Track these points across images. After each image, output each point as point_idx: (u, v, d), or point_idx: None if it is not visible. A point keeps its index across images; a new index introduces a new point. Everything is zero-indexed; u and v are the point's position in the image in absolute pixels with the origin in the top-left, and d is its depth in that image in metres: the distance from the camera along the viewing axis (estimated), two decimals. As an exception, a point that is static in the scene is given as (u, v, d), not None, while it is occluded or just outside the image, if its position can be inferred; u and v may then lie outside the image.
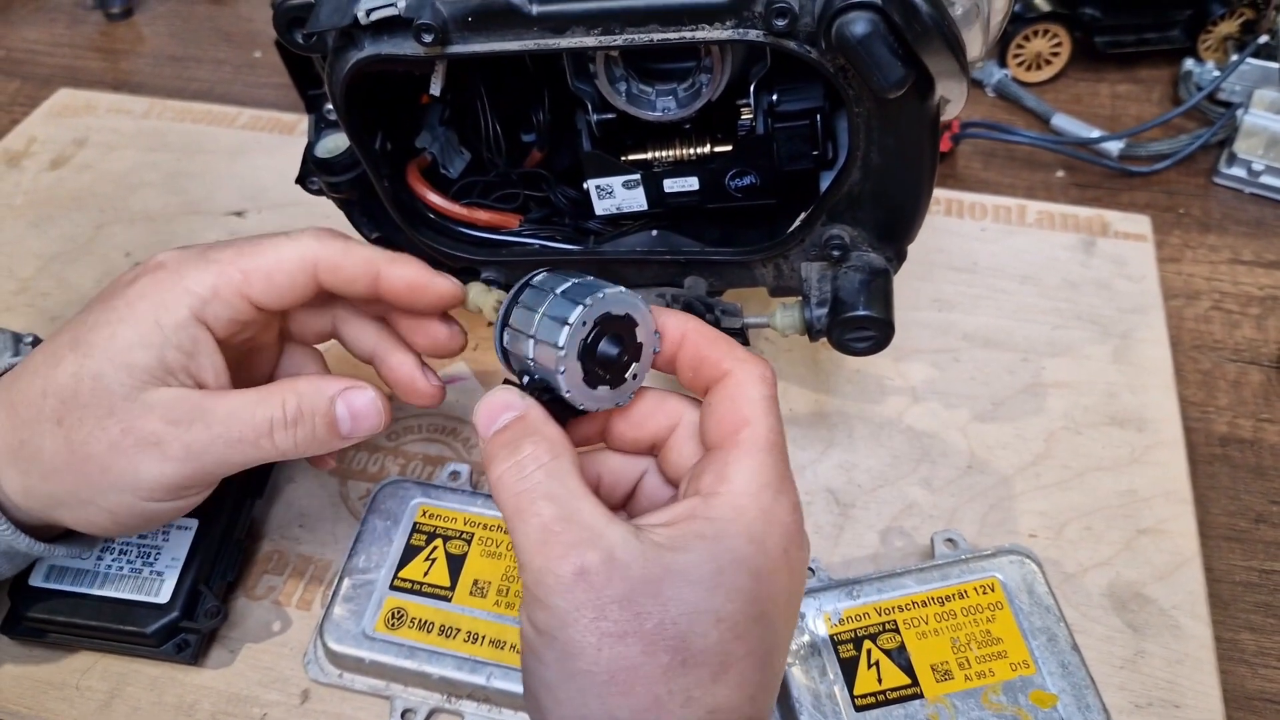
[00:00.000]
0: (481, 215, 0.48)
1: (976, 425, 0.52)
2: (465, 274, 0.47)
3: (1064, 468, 0.51)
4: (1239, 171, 0.68)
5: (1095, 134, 0.71)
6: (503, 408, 0.34)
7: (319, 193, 0.49)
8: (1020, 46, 0.76)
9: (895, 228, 0.43)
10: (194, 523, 0.45)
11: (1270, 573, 0.49)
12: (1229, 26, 0.75)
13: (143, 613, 0.43)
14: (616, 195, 0.46)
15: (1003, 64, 0.77)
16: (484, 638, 0.42)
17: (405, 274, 0.40)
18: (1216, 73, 0.72)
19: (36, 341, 0.50)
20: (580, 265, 0.47)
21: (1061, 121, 0.72)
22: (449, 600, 0.44)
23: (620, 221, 0.48)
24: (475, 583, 0.44)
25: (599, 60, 0.41)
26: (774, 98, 0.43)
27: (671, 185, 0.46)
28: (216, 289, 0.38)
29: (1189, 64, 0.75)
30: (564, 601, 0.30)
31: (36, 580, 0.44)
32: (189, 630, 0.44)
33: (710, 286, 0.47)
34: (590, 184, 0.46)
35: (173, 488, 0.38)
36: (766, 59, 0.42)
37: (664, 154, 0.46)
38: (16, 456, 0.38)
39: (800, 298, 0.45)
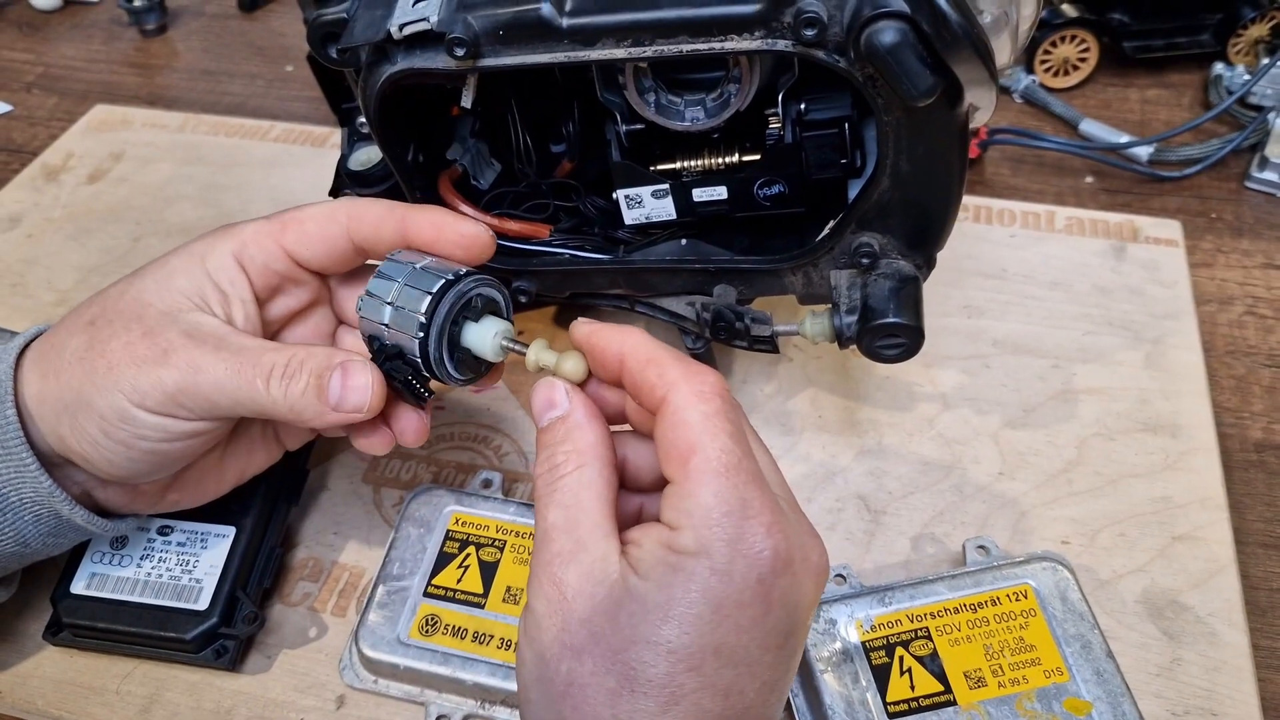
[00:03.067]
0: (512, 225, 0.48)
1: (1008, 432, 0.52)
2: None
3: (1096, 474, 0.50)
4: (1271, 175, 0.68)
5: (1124, 139, 0.70)
6: (547, 405, 0.35)
7: None
8: (1048, 52, 0.76)
9: (925, 235, 0.43)
10: (231, 530, 0.46)
11: (1308, 580, 0.48)
12: (1260, 30, 0.75)
13: (182, 619, 0.44)
14: (645, 205, 0.47)
15: (1030, 70, 0.77)
16: (517, 645, 0.43)
17: (430, 216, 0.41)
18: (1247, 77, 0.72)
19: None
20: (610, 274, 0.48)
21: (1090, 127, 0.72)
22: (482, 607, 0.44)
23: (649, 231, 0.48)
24: (508, 589, 0.44)
25: (628, 72, 0.42)
26: (802, 106, 0.43)
27: (700, 194, 0.46)
28: (256, 234, 0.41)
29: (1219, 68, 0.74)
30: (541, 607, 0.31)
31: (78, 588, 0.45)
32: (227, 636, 0.44)
33: (740, 294, 0.48)
34: (620, 193, 0.47)
35: (163, 398, 0.38)
36: (795, 69, 0.42)
37: (692, 164, 0.46)
38: (44, 356, 0.40)
39: (830, 305, 0.45)
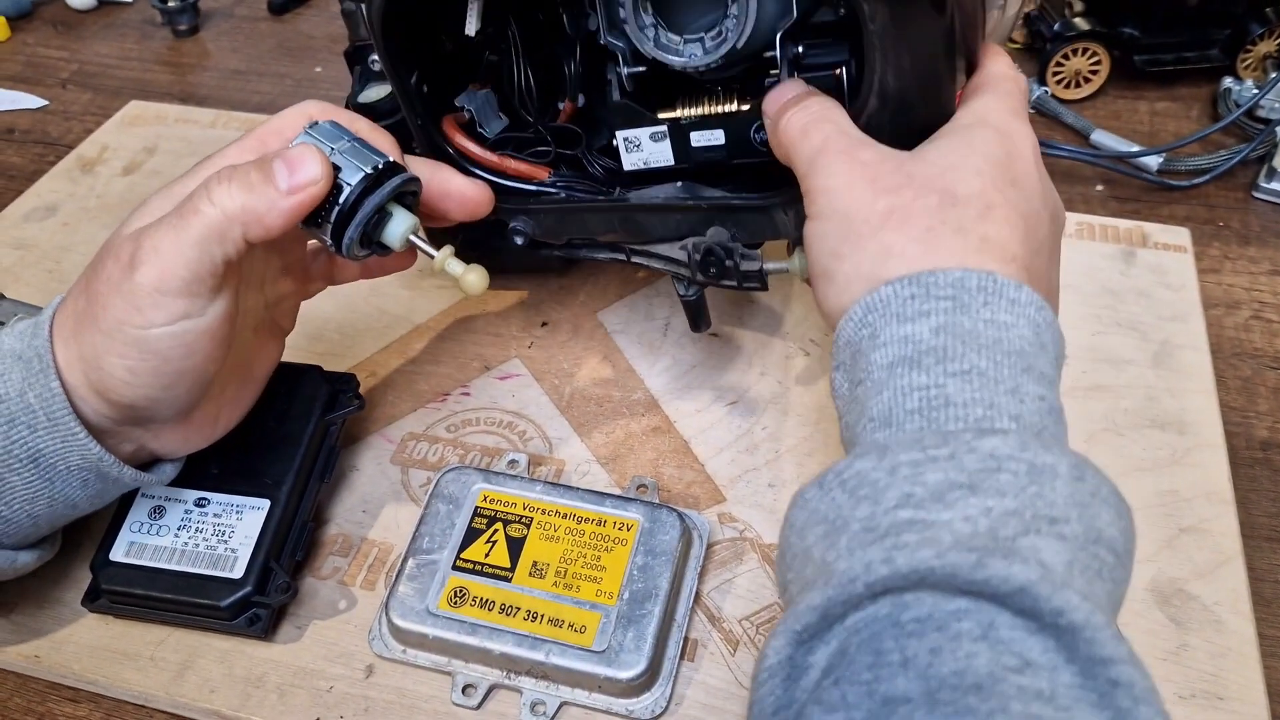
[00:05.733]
0: (513, 164, 0.49)
1: (1019, 426, 0.53)
2: (494, 226, 0.49)
3: (1105, 468, 0.51)
4: (1278, 186, 0.69)
5: (1134, 148, 0.72)
6: (783, 96, 0.41)
7: None
8: (1060, 65, 0.78)
9: None
10: (266, 503, 0.47)
11: (1312, 573, 0.49)
12: (1268, 45, 0.77)
13: (217, 587, 0.45)
14: (644, 148, 0.47)
15: (1043, 82, 0.78)
16: (543, 616, 0.44)
17: (385, 136, 0.43)
18: (1255, 90, 0.73)
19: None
20: (606, 215, 0.48)
21: (1101, 137, 0.73)
22: (509, 581, 0.45)
23: (647, 178, 0.49)
24: (534, 564, 0.46)
25: (628, 6, 0.42)
26: (800, 49, 0.43)
27: (698, 139, 0.46)
28: (240, 155, 0.42)
29: (1228, 82, 0.76)
30: (840, 182, 0.37)
31: (117, 555, 0.46)
32: (260, 605, 0.46)
33: (732, 237, 0.48)
34: (619, 136, 0.47)
35: (151, 294, 0.38)
36: (793, 9, 0.42)
37: (691, 112, 0.46)
38: (61, 324, 0.41)
39: None
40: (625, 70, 0.45)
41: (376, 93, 0.49)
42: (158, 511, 0.48)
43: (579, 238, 0.50)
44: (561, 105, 0.50)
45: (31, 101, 0.82)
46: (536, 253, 0.51)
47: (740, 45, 0.42)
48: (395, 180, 0.41)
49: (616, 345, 0.59)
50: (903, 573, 0.28)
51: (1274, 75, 0.72)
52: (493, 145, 0.50)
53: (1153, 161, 0.71)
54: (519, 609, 0.44)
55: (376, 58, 0.46)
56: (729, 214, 0.47)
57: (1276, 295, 0.63)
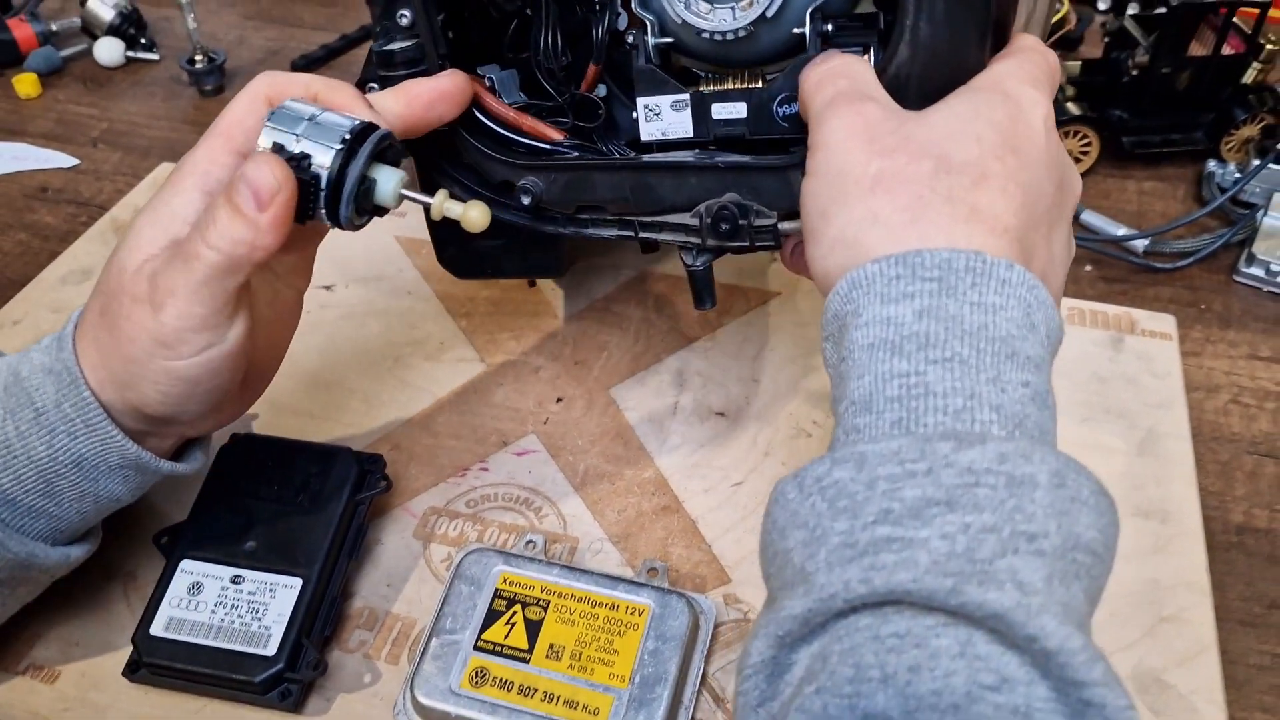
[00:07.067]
0: (528, 121, 0.49)
1: (1009, 510, 0.56)
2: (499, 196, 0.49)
3: (1090, 554, 0.55)
4: (1258, 271, 0.72)
5: (1123, 231, 0.75)
6: (822, 62, 0.42)
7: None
8: (1053, 144, 0.81)
9: None
10: (298, 582, 0.50)
11: (1283, 657, 0.52)
12: (1250, 130, 0.80)
13: (252, 663, 0.48)
14: (664, 118, 0.47)
15: (1036, 160, 0.82)
16: (559, 698, 0.47)
17: (343, 90, 0.44)
18: (1238, 174, 0.77)
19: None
20: (618, 178, 0.48)
21: (1091, 218, 0.77)
22: (527, 662, 0.48)
23: (664, 150, 0.49)
24: (551, 647, 0.48)
25: None
26: (829, 27, 0.43)
27: (719, 110, 0.46)
28: (211, 155, 0.43)
29: (1212, 165, 0.79)
30: (838, 138, 0.37)
31: (157, 629, 0.49)
32: (292, 680, 0.48)
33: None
34: (639, 103, 0.47)
35: (175, 333, 0.41)
36: None
37: (715, 87, 0.46)
38: (84, 348, 0.44)
39: None
40: (653, 41, 0.46)
41: (397, 46, 0.49)
42: (196, 588, 0.50)
43: (587, 205, 0.50)
44: (585, 77, 0.50)
45: (64, 160, 0.85)
46: (540, 228, 0.51)
47: (770, 13, 0.43)
48: (368, 145, 0.41)
49: (628, 422, 0.62)
50: (880, 593, 0.29)
51: (1256, 162, 0.75)
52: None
53: (1140, 244, 0.74)
54: (536, 690, 0.47)
55: (406, 11, 0.47)
56: (745, 177, 0.46)
57: (1254, 379, 0.66)
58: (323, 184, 0.41)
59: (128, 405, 0.44)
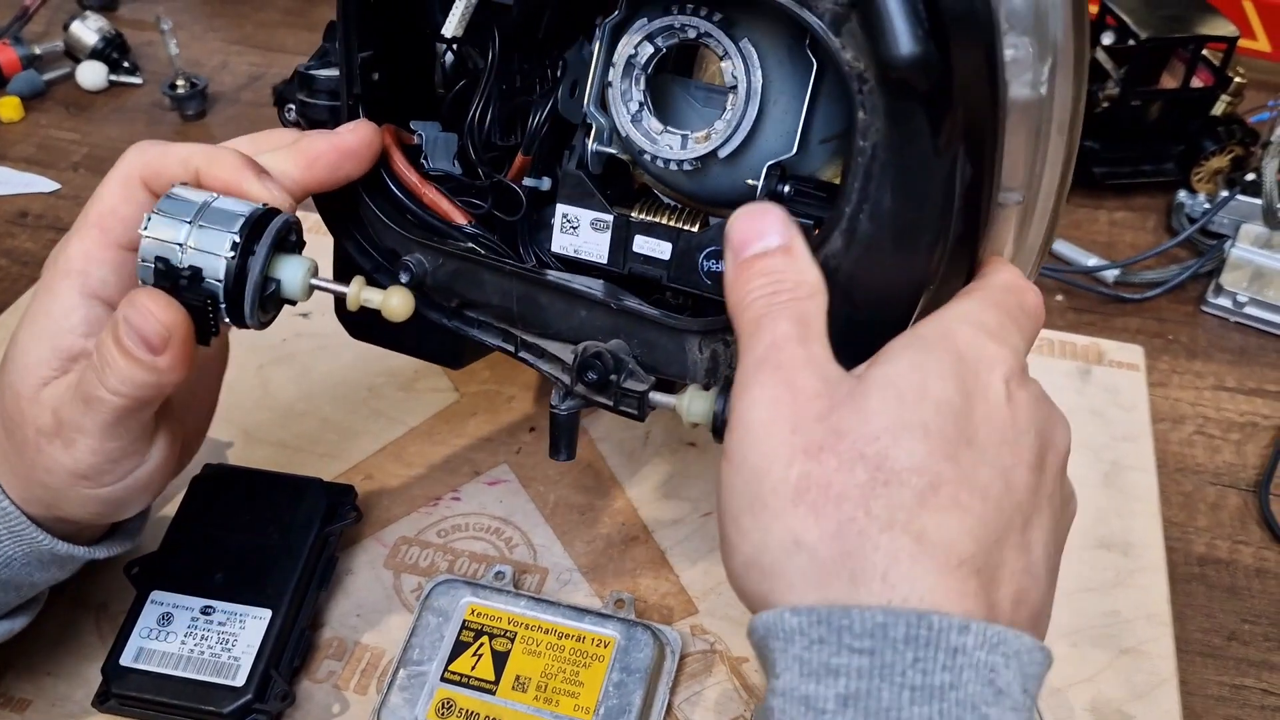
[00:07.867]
0: (431, 194, 0.44)
1: (974, 542, 0.57)
2: (384, 263, 0.45)
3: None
4: (1225, 302, 0.74)
5: (1093, 261, 0.76)
6: (757, 235, 0.33)
7: (295, 123, 0.47)
8: (1025, 174, 0.82)
9: (872, 331, 0.34)
10: (268, 613, 0.50)
11: (1240, 688, 0.53)
12: (1220, 162, 0.82)
13: (220, 694, 0.48)
14: (580, 234, 0.43)
15: (1008, 190, 0.83)
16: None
17: (227, 162, 0.38)
18: (1207, 204, 0.78)
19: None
20: (508, 283, 0.43)
21: (1061, 248, 0.78)
22: (493, 694, 0.48)
23: (570, 269, 0.45)
24: (517, 678, 0.49)
25: (619, 70, 0.39)
26: (785, 188, 0.39)
27: (641, 245, 0.42)
28: (86, 254, 0.38)
29: (1182, 195, 0.81)
30: (761, 415, 0.30)
31: (127, 660, 0.49)
32: (260, 712, 0.49)
33: (635, 356, 0.42)
34: (558, 210, 0.43)
35: (93, 468, 0.39)
36: (793, 146, 0.39)
37: (645, 216, 0.42)
38: (1, 469, 0.41)
39: (722, 384, 0.38)
40: (594, 146, 0.41)
41: (327, 74, 0.45)
42: (166, 618, 0.51)
43: (470, 303, 0.45)
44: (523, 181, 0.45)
45: (45, 185, 0.86)
46: (424, 311, 0.45)
47: (724, 154, 0.38)
48: (266, 238, 0.37)
49: (600, 453, 0.62)
50: None
51: (1224, 193, 0.77)
52: (421, 174, 0.45)
53: (1110, 275, 0.75)
54: (502, 722, 0.48)
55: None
56: (639, 327, 0.41)
57: (1220, 410, 0.67)
58: (221, 299, 0.37)
59: (54, 516, 0.42)
